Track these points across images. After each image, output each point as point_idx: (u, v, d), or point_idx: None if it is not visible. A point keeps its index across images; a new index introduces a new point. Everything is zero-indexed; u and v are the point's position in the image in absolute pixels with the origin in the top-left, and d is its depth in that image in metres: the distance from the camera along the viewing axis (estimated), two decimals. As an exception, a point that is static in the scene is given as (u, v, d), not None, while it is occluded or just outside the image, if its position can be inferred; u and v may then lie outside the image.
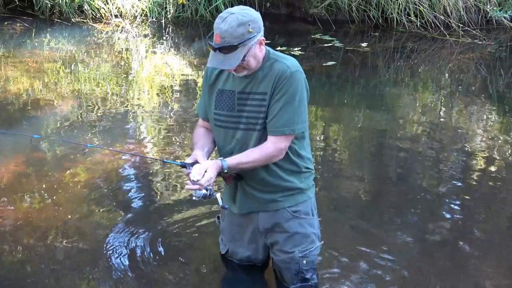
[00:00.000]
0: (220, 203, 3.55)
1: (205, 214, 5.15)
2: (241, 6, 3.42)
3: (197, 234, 4.90)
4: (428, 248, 4.84)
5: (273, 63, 3.44)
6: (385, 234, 4.97)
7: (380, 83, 9.96)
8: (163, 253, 4.58)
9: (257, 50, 3.37)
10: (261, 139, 3.47)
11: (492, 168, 6.45)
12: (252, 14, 3.34)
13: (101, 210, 5.25)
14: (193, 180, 3.33)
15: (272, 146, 3.43)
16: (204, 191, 3.38)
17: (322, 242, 3.82)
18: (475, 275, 4.50)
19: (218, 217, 4.02)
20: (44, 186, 5.62)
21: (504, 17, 12.87)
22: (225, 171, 3.39)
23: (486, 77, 10.34)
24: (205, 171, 3.33)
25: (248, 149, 3.47)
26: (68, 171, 5.91)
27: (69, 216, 5.09)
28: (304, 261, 3.70)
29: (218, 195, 3.49)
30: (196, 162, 3.42)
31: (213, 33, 3.33)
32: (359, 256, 4.58)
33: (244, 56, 3.30)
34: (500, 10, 12.92)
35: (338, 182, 6.03)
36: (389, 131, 7.63)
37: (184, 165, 3.44)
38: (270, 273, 3.98)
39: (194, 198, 3.44)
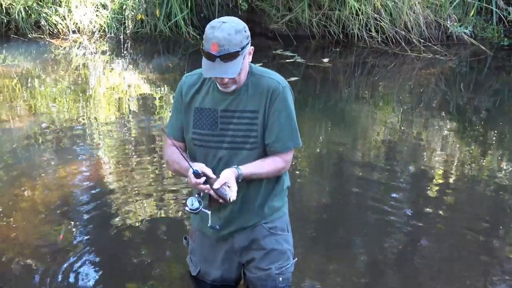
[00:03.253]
0: (210, 223, 3.32)
1: (171, 234, 5.04)
2: (226, 17, 3.23)
3: (163, 255, 4.76)
4: (386, 260, 4.86)
5: (259, 79, 3.32)
6: (343, 249, 4.98)
7: (341, 99, 9.92)
8: (127, 275, 4.42)
9: (246, 62, 3.24)
10: (250, 157, 3.32)
11: (450, 184, 6.44)
12: (242, 22, 3.20)
13: (57, 229, 5.07)
14: (228, 199, 3.10)
15: (282, 160, 3.36)
16: (197, 204, 3.19)
17: (296, 259, 3.69)
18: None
19: (186, 238, 3.83)
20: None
21: (465, 33, 12.99)
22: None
23: (447, 93, 10.37)
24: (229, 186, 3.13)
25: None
26: (24, 190, 5.74)
27: (25, 236, 4.91)
28: (280, 278, 3.57)
29: (209, 213, 3.27)
30: (204, 174, 3.16)
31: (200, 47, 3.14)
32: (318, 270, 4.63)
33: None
34: (460, 26, 13.04)
35: (298, 197, 5.93)
36: (350, 147, 7.56)
37: (197, 173, 3.13)
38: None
39: (186, 209, 3.22)
